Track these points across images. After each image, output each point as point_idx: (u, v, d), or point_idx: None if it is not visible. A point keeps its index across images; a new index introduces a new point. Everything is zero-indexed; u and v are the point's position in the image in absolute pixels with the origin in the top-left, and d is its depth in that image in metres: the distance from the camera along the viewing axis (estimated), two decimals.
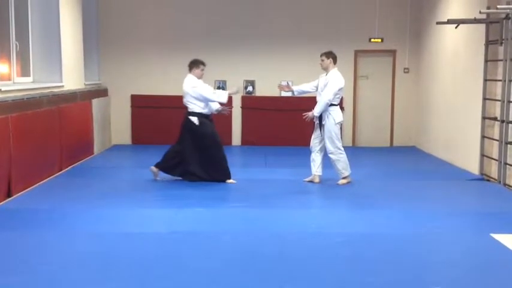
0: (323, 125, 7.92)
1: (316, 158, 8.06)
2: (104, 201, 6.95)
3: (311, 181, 8.08)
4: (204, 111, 7.93)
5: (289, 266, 4.74)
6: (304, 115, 7.96)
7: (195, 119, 7.87)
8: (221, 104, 8.07)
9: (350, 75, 12.13)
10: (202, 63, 7.99)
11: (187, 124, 7.95)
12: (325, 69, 7.99)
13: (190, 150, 7.94)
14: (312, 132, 8.15)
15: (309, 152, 8.13)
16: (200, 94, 7.81)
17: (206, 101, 7.89)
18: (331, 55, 7.98)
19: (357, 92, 12.24)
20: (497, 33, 8.27)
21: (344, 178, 8.03)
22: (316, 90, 8.05)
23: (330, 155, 7.95)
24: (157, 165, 8.16)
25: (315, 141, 8.07)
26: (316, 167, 8.05)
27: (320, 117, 7.90)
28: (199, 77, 7.99)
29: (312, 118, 7.94)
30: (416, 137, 12.11)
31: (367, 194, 7.51)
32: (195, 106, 7.88)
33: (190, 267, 4.68)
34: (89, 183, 8.16)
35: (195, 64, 7.98)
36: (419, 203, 7.12)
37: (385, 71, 12.22)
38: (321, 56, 8.04)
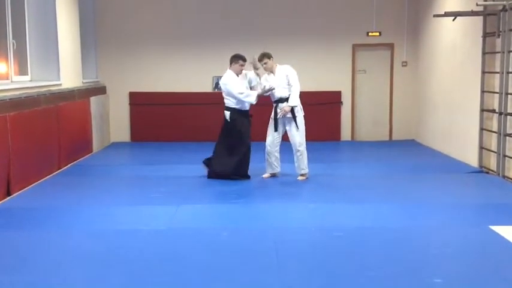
0: (290, 119, 7.82)
1: (278, 156, 8.01)
2: (103, 199, 6.97)
3: (274, 175, 8.09)
4: (237, 106, 7.87)
5: (288, 261, 4.75)
6: (281, 111, 7.79)
7: (227, 114, 7.90)
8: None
9: (348, 70, 12.13)
10: (242, 59, 7.90)
11: (223, 118, 8.00)
12: (270, 69, 7.88)
13: (218, 146, 8.03)
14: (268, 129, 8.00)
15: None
16: (229, 92, 7.81)
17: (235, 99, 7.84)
18: (271, 55, 7.88)
19: (355, 86, 12.22)
20: (494, 25, 8.25)
21: (303, 175, 8.00)
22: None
23: (300, 148, 7.87)
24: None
25: (277, 140, 7.95)
26: (279, 164, 8.05)
27: (293, 113, 7.80)
28: (239, 72, 7.91)
29: (288, 111, 7.79)
30: (415, 130, 12.11)
31: (365, 188, 7.51)
32: (228, 101, 7.89)
33: (189, 264, 4.68)
34: (88, 181, 8.17)
35: (234, 59, 7.91)
36: (418, 196, 7.13)
37: (383, 65, 12.20)
38: (262, 59, 7.83)
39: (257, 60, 7.93)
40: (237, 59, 7.88)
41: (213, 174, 8.03)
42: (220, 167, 7.96)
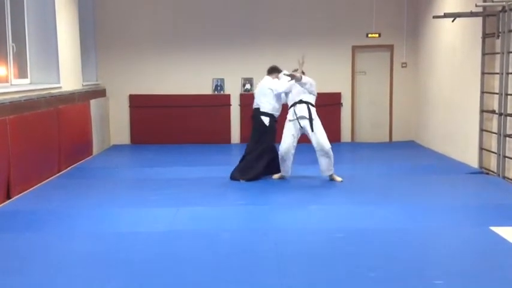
0: (307, 123, 7.88)
1: (292, 159, 8.04)
2: (103, 202, 6.96)
3: (283, 178, 8.14)
4: (277, 114, 8.20)
5: (289, 262, 4.75)
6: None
7: (266, 120, 8.10)
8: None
9: (348, 71, 12.14)
10: (280, 71, 8.35)
11: (257, 123, 8.17)
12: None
13: (251, 149, 8.22)
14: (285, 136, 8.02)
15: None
16: (278, 91, 8.06)
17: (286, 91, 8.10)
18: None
19: (355, 87, 12.23)
20: (493, 26, 8.26)
21: (333, 176, 8.04)
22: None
23: (329, 151, 7.87)
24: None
25: (294, 143, 7.97)
26: (291, 168, 8.10)
27: (310, 115, 7.89)
28: None
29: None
30: (415, 131, 12.11)
31: (366, 189, 7.51)
32: (269, 106, 8.11)
33: (190, 265, 4.68)
34: (88, 183, 8.16)
35: (274, 71, 8.36)
36: (418, 197, 7.13)
37: (383, 66, 12.21)
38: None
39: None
40: (276, 72, 8.34)
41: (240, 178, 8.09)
42: (251, 171, 8.07)
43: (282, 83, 8.12)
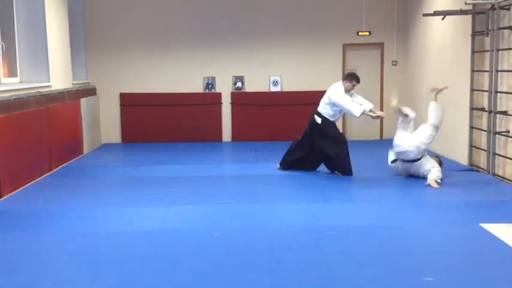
0: None
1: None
2: (93, 201, 6.94)
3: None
4: (331, 119, 8.26)
5: (280, 260, 4.75)
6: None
7: (318, 119, 8.27)
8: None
9: (339, 69, 12.15)
10: (357, 80, 8.31)
11: (311, 121, 8.37)
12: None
13: (305, 143, 8.42)
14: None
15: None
16: (336, 102, 8.08)
17: (340, 108, 8.14)
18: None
19: None
20: (483, 24, 8.29)
21: None
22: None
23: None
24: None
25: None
26: None
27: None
28: (348, 90, 8.25)
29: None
30: None
31: (356, 187, 7.54)
32: (324, 109, 8.25)
33: (181, 265, 4.68)
34: (78, 183, 8.14)
35: (350, 77, 8.31)
36: (408, 194, 7.16)
37: (374, 64, 12.24)
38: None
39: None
40: (352, 79, 8.27)
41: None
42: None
43: (345, 99, 8.04)
